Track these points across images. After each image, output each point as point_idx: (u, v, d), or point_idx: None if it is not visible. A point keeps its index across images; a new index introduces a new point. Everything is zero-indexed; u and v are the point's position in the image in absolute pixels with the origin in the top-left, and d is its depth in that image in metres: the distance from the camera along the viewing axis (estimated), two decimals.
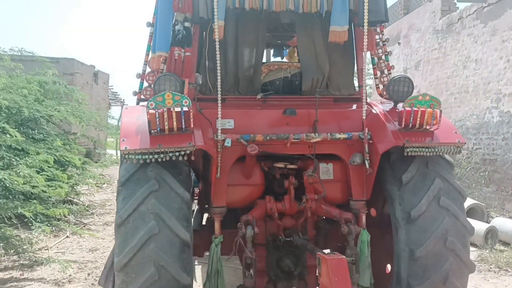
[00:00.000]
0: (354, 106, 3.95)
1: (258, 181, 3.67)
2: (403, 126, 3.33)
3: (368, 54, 3.92)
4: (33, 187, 6.59)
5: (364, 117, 3.58)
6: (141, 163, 3.04)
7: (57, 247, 7.30)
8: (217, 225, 3.41)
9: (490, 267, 6.24)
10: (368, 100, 3.98)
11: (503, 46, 9.14)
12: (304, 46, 3.90)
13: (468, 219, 7.71)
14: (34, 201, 6.59)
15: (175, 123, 2.98)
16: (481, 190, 9.60)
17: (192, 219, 3.84)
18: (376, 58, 4.20)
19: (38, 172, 6.99)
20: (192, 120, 3.02)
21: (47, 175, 7.43)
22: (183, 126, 3.01)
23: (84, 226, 8.77)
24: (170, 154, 2.99)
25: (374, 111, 3.69)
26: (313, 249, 3.34)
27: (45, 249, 6.97)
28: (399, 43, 14.47)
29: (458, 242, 3.32)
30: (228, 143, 3.32)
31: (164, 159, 2.99)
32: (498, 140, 9.19)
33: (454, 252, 3.31)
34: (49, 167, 6.92)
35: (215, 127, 3.36)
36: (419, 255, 3.27)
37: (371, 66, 4.28)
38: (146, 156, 2.97)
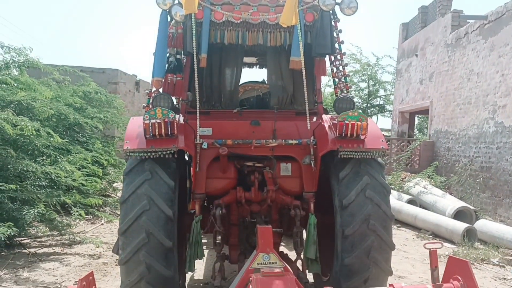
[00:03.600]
0: (314, 119, 4.95)
1: (231, 175, 4.72)
2: (338, 135, 4.30)
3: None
4: (74, 180, 8.02)
5: (308, 128, 4.56)
6: (139, 159, 4.19)
7: (93, 232, 8.70)
8: (197, 207, 4.51)
9: None
10: (330, 115, 4.95)
11: (499, 61, 9.76)
12: (272, 70, 4.96)
13: (453, 220, 8.51)
14: (74, 191, 7.98)
15: (163, 130, 4.11)
16: (478, 196, 10.20)
17: None
18: (336, 80, 5.16)
19: (79, 169, 8.43)
20: (176, 128, 4.15)
21: (87, 172, 8.90)
22: (169, 133, 4.15)
23: (117, 217, 10.13)
24: (159, 153, 4.12)
25: (322, 123, 4.67)
26: (262, 224, 4.38)
27: (83, 233, 8.34)
28: (416, 55, 15.13)
29: (379, 225, 4.20)
30: (204, 145, 4.42)
31: (155, 156, 4.13)
32: (493, 149, 9.79)
33: (375, 233, 4.18)
34: (87, 163, 8.29)
35: (197, 134, 4.47)
36: (348, 233, 4.18)
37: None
38: (142, 154, 4.11)
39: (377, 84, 23.62)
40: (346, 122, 4.25)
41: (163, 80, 4.63)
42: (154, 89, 4.82)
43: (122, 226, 4.03)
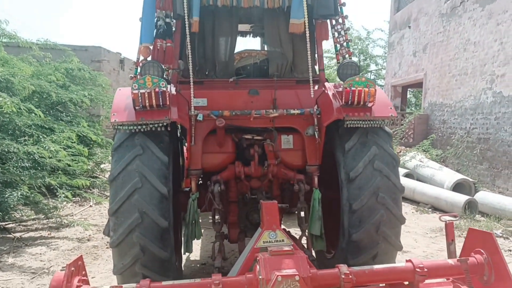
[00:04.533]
0: (316, 87, 4.62)
1: (229, 150, 4.41)
2: (344, 103, 3.99)
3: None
4: (59, 160, 7.61)
5: (312, 96, 4.25)
6: (129, 133, 3.84)
7: (81, 214, 8.35)
8: (193, 184, 4.19)
9: (462, 234, 6.81)
10: (331, 83, 4.64)
11: (498, 29, 9.47)
12: (270, 36, 4.59)
13: (453, 192, 8.34)
14: (60, 172, 7.58)
15: (154, 101, 3.75)
16: (476, 168, 10.05)
17: None
18: (338, 45, 4.82)
19: (64, 149, 8.02)
20: (168, 98, 3.80)
21: (72, 152, 8.49)
22: (161, 103, 3.79)
23: (106, 198, 9.78)
24: (151, 126, 3.77)
25: (326, 91, 4.35)
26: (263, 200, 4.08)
27: (71, 216, 7.99)
28: (409, 27, 14.78)
29: (388, 198, 3.94)
30: (200, 117, 4.08)
31: (146, 129, 3.78)
32: (491, 119, 9.59)
33: (384, 206, 3.93)
34: (72, 142, 7.87)
35: (191, 105, 4.12)
36: (355, 208, 3.92)
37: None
38: (132, 127, 3.76)
39: (368, 59, 23.29)
40: (353, 88, 3.96)
41: (152, 47, 4.26)
42: (142, 57, 4.44)
43: (113, 206, 3.72)
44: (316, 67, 4.69)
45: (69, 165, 8.00)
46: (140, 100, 3.73)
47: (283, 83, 4.52)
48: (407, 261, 3.13)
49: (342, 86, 4.04)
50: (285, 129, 4.41)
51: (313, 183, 4.30)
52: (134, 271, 3.67)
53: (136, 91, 3.73)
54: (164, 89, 3.77)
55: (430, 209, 8.57)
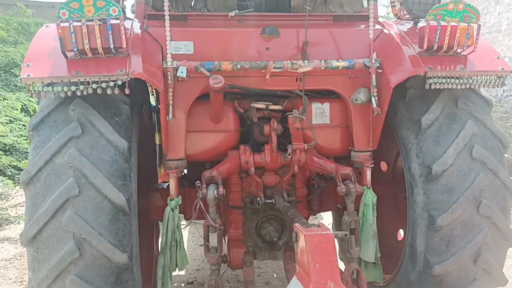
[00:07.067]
0: (362, 27, 2.99)
1: (230, 127, 2.86)
2: (425, 48, 2.42)
3: None
4: (4, 136, 5.99)
5: (371, 37, 2.64)
6: (58, 99, 2.24)
7: None
8: (172, 184, 2.62)
9: None
10: (381, 20, 3.03)
11: None
12: None
13: None
14: (0, 152, 5.92)
15: (99, 41, 2.14)
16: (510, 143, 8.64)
17: None
18: None
19: (10, 122, 6.39)
20: (125, 38, 2.16)
21: (23, 125, 6.86)
22: (112, 46, 2.16)
23: None
24: (94, 86, 2.16)
25: (386, 32, 2.74)
26: (295, 216, 2.48)
27: (21, 206, 6.36)
28: None
29: (495, 207, 2.55)
30: (182, 72, 2.48)
31: (88, 93, 2.16)
32: None
33: (489, 220, 2.53)
34: (15, 111, 6.20)
35: (167, 52, 2.49)
36: (442, 223, 2.47)
37: None
38: (60, 88, 2.16)
39: None
40: (442, 23, 2.38)
41: None
42: None
43: (28, 229, 2.15)
44: None
45: (18, 143, 6.34)
46: (73, 40, 2.10)
47: (314, 20, 2.90)
48: None
49: (425, 19, 2.46)
50: (318, 93, 2.85)
51: (364, 179, 2.77)
52: None
53: (65, 24, 2.11)
54: (118, 20, 2.13)
55: None
